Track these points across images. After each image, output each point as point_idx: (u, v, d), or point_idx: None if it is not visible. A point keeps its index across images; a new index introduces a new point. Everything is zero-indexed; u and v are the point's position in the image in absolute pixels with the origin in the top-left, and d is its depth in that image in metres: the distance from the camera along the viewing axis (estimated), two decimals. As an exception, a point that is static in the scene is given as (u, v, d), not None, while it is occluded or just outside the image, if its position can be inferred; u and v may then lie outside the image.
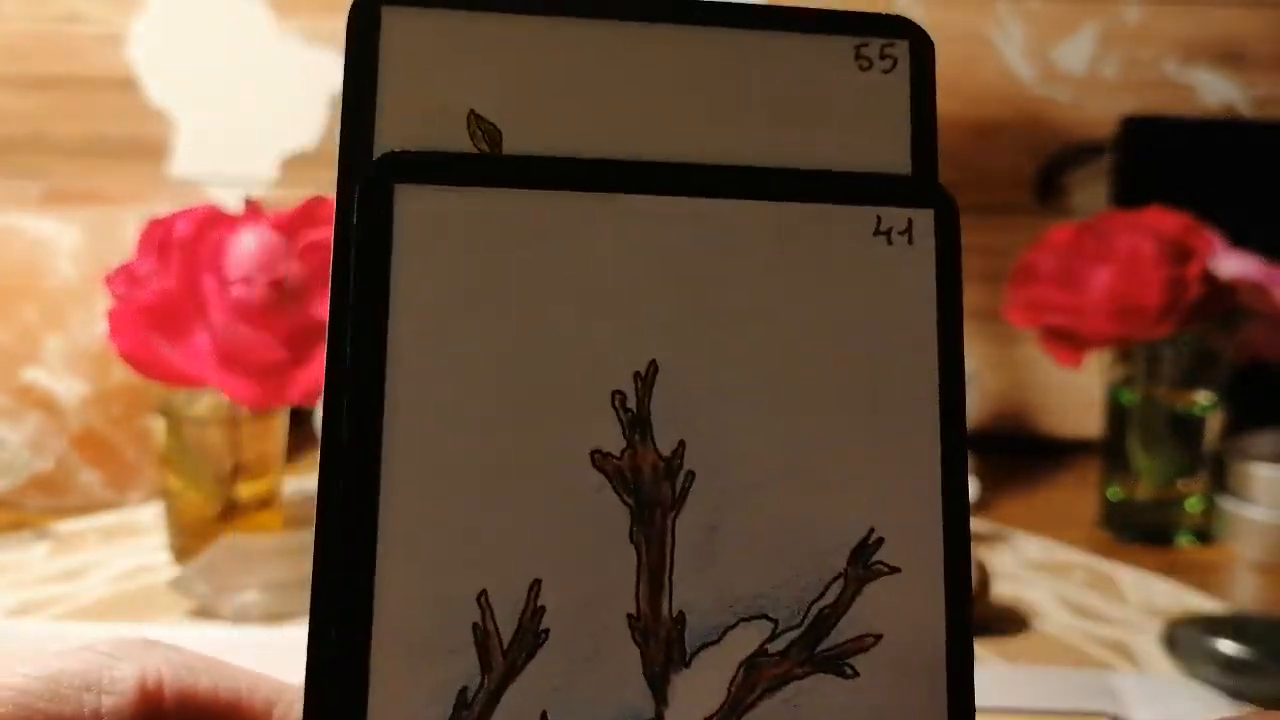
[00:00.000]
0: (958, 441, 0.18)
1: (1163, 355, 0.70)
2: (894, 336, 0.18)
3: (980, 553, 0.59)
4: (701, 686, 0.18)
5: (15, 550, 0.62)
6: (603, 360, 0.18)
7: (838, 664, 0.18)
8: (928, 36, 0.20)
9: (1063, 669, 0.55)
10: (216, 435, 0.62)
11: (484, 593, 0.17)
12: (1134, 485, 0.72)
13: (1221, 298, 0.68)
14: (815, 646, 0.18)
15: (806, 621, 0.18)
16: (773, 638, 0.18)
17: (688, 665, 0.18)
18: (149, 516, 0.68)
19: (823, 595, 0.18)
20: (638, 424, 0.18)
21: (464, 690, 0.17)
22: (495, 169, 0.18)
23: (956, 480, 0.18)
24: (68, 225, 0.68)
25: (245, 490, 0.63)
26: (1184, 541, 0.71)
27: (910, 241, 0.18)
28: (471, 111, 0.18)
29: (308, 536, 0.63)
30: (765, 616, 0.18)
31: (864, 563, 0.18)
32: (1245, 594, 0.65)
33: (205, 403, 0.62)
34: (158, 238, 0.58)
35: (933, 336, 0.18)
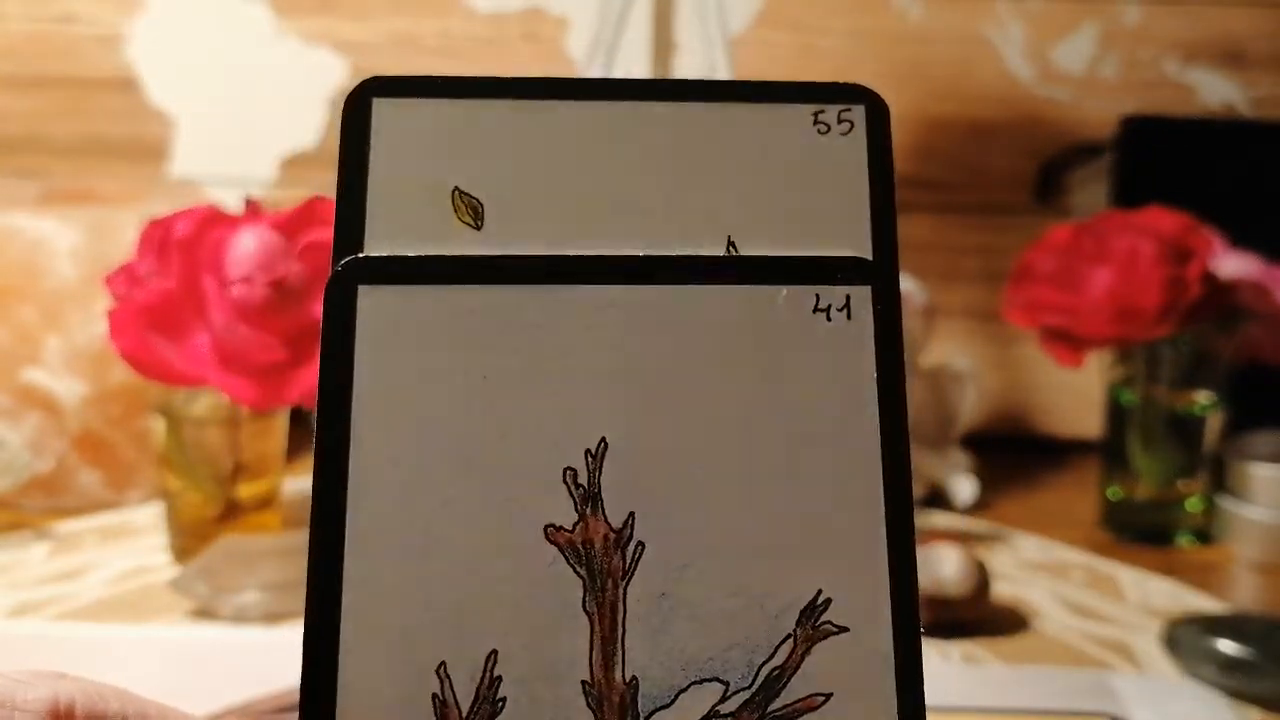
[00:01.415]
0: (903, 504, 0.19)
1: (1162, 355, 0.70)
2: (836, 408, 0.19)
3: (979, 553, 0.59)
4: None
5: (14, 550, 0.62)
6: (555, 439, 0.19)
7: None
8: (882, 101, 0.21)
9: (1062, 669, 0.55)
10: (216, 435, 0.62)
11: (443, 664, 0.18)
12: (1134, 485, 0.72)
13: (1221, 298, 0.68)
14: (766, 706, 0.19)
15: (757, 682, 0.19)
16: (724, 699, 0.19)
17: None
18: (148, 517, 0.68)
19: (772, 656, 0.19)
20: (588, 499, 0.19)
21: None
22: (451, 268, 0.20)
23: (903, 541, 0.19)
24: (67, 225, 0.68)
25: (245, 491, 0.63)
26: (1184, 541, 0.71)
27: (849, 317, 0.20)
28: (456, 188, 0.20)
29: (307, 536, 0.64)
30: (717, 679, 0.19)
31: (812, 623, 0.19)
32: (1245, 594, 0.65)
33: (205, 403, 0.62)
34: (157, 238, 0.58)
35: (873, 406, 0.19)
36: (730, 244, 0.20)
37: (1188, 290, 0.65)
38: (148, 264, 0.58)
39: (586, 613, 0.19)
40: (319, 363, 0.19)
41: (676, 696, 0.19)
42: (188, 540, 0.62)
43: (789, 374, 0.19)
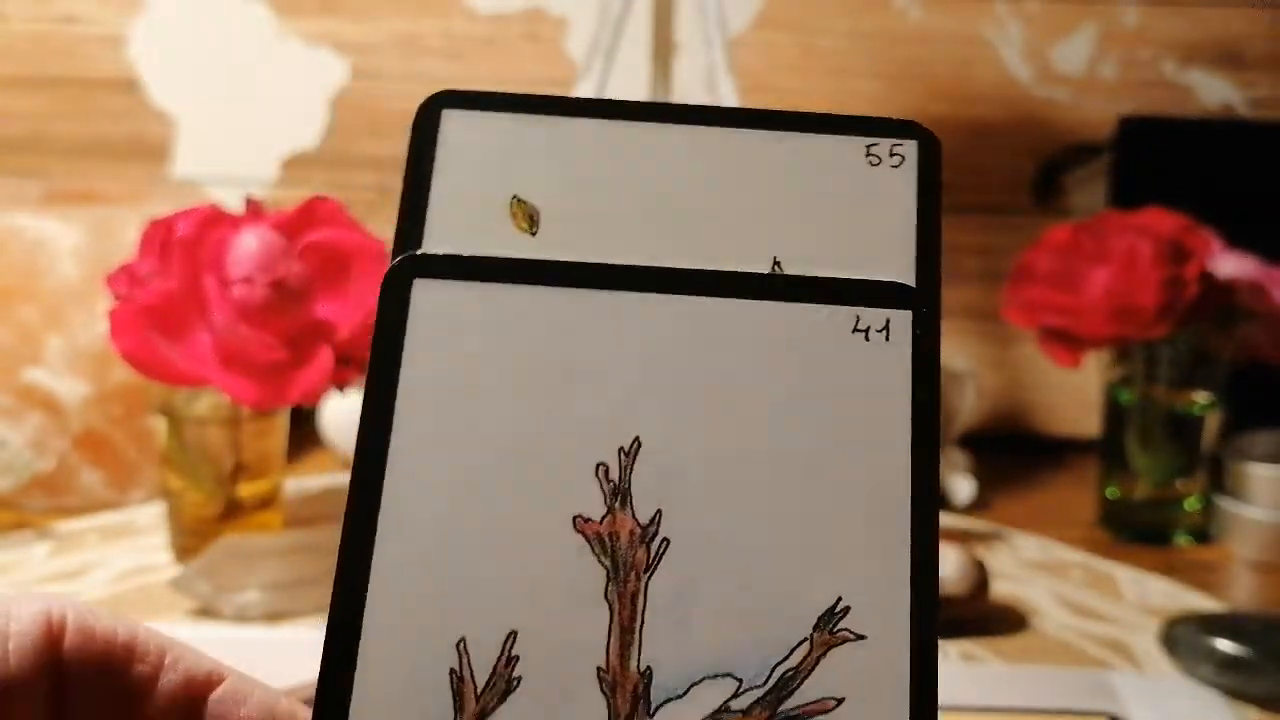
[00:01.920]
0: (930, 520, 0.19)
1: (1160, 355, 0.70)
2: (869, 424, 0.20)
3: (978, 552, 0.60)
4: None
5: (16, 550, 0.63)
6: (589, 435, 0.20)
7: None
8: (935, 138, 0.22)
9: (1061, 668, 0.55)
10: (217, 435, 0.62)
11: (462, 640, 0.19)
12: (1132, 485, 0.72)
13: (1219, 298, 0.68)
14: (778, 705, 0.19)
15: (770, 681, 0.19)
16: (736, 695, 0.19)
17: (651, 717, 0.19)
18: (150, 516, 0.69)
19: (787, 658, 0.19)
20: (618, 493, 0.20)
21: None
22: (504, 268, 0.21)
23: (927, 557, 0.19)
24: (68, 225, 0.68)
25: (246, 490, 0.63)
26: (1182, 541, 0.71)
27: (888, 339, 0.20)
28: (515, 195, 0.21)
29: (308, 536, 0.64)
30: (730, 675, 0.19)
31: (830, 629, 0.19)
32: (1243, 593, 0.66)
33: (206, 403, 0.62)
34: (159, 238, 0.58)
35: (906, 425, 0.20)
36: (776, 264, 0.21)
37: (1186, 290, 0.65)
38: (149, 264, 0.59)
39: (607, 602, 0.19)
40: (370, 349, 0.20)
41: (689, 689, 0.19)
42: (189, 540, 0.62)
43: (824, 389, 0.20)
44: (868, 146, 0.22)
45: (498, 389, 0.20)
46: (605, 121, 0.22)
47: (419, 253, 0.21)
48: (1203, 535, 0.71)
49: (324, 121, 0.87)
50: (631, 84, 0.76)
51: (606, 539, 0.19)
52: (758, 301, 0.20)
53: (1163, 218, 0.68)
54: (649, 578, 0.19)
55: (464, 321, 0.20)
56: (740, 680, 0.19)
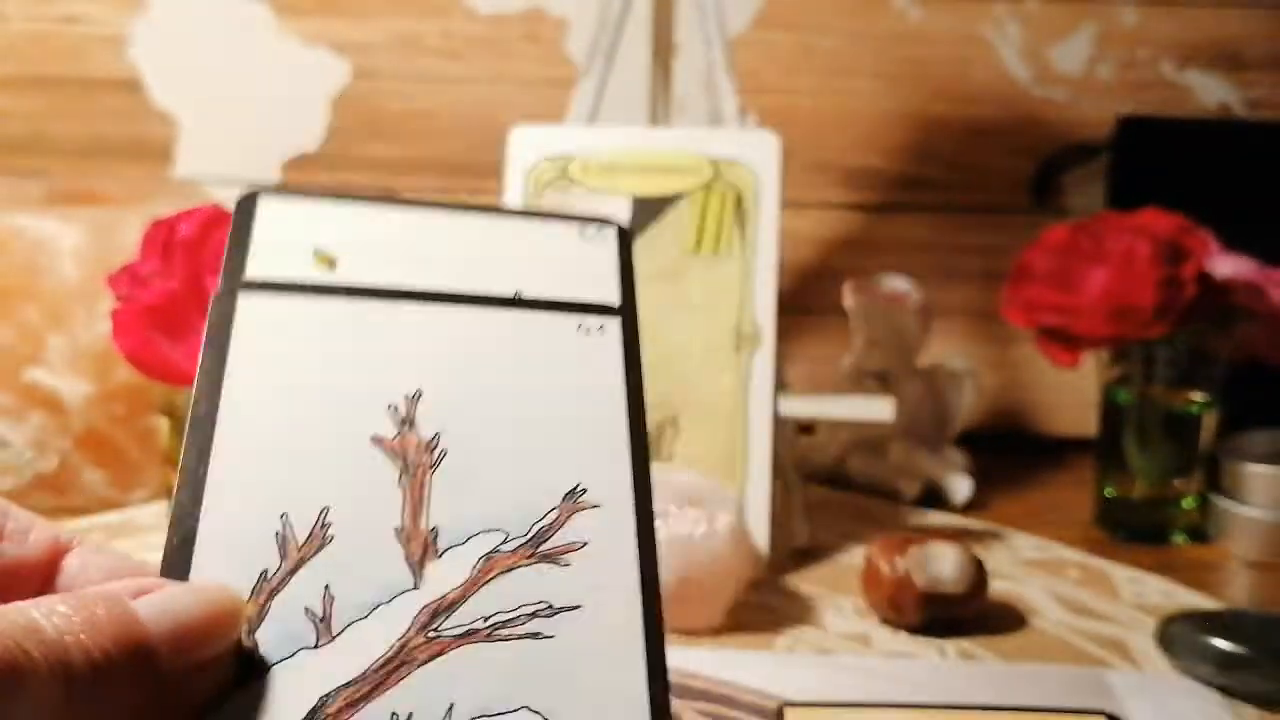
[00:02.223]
0: (640, 434, 0.29)
1: (1158, 355, 0.70)
2: (595, 376, 0.30)
3: (976, 551, 0.60)
4: (450, 571, 0.26)
5: (19, 549, 0.63)
6: (383, 389, 0.28)
7: (555, 558, 0.26)
8: (625, 227, 0.33)
9: (1058, 666, 0.56)
10: (219, 435, 0.62)
11: (285, 514, 0.25)
12: (1129, 484, 0.72)
13: (1216, 298, 0.68)
14: (538, 548, 0.26)
15: (530, 534, 0.27)
16: (505, 542, 0.26)
17: (439, 557, 0.26)
18: (152, 516, 0.69)
19: (543, 519, 0.27)
20: (405, 421, 0.27)
21: (264, 571, 0.25)
22: (313, 287, 0.29)
23: (640, 455, 0.29)
24: (70, 225, 0.69)
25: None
26: (1179, 540, 0.71)
27: (602, 334, 0.31)
28: (315, 248, 0.30)
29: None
30: (500, 530, 0.26)
31: (573, 500, 0.27)
32: (1239, 592, 0.66)
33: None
34: (160, 238, 0.58)
35: (619, 380, 0.30)
36: (518, 294, 0.31)
37: (1183, 290, 0.66)
38: (151, 264, 0.59)
39: (401, 489, 0.26)
40: (203, 342, 0.27)
41: (468, 539, 0.26)
42: (191, 538, 0.63)
43: (564, 361, 0.30)
44: (579, 228, 0.33)
45: (312, 364, 0.28)
46: (380, 204, 0.32)
47: (243, 278, 0.29)
48: (1200, 534, 0.71)
49: (324, 121, 0.88)
50: (631, 84, 0.76)
51: (397, 449, 0.27)
52: (509, 309, 0.30)
53: (1160, 218, 0.68)
54: (433, 473, 0.27)
55: (285, 320, 0.28)
56: (508, 533, 0.26)
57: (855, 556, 0.65)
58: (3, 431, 0.67)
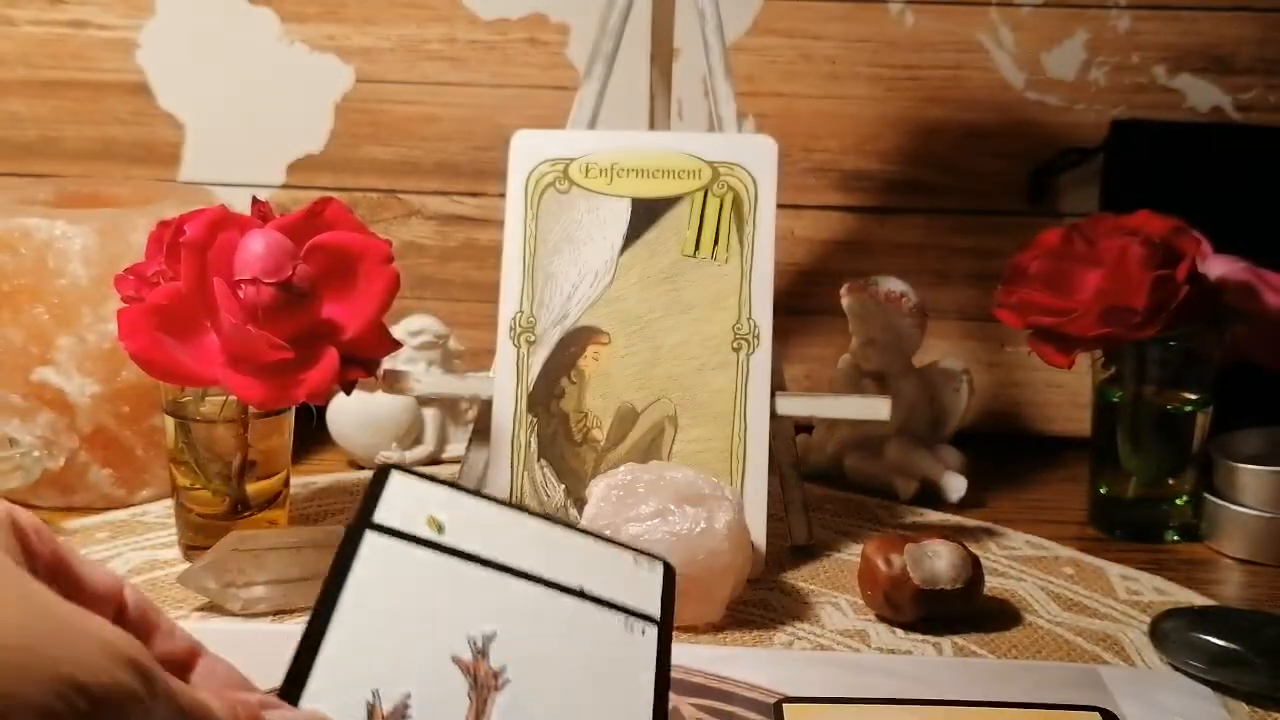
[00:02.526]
0: (662, 707, 0.38)
1: (1151, 355, 0.71)
2: (630, 667, 0.38)
3: (972, 548, 0.61)
4: None
5: (27, 546, 0.63)
6: (466, 624, 0.35)
7: None
8: (670, 565, 0.43)
9: (1052, 662, 0.56)
10: (225, 434, 0.63)
11: (377, 690, 0.32)
12: (1123, 483, 0.73)
13: (1208, 299, 0.68)
14: None
15: None
16: None
17: None
18: (158, 513, 0.70)
19: None
20: (480, 652, 0.35)
21: None
22: (423, 540, 0.37)
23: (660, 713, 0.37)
24: (78, 227, 0.69)
25: (253, 487, 0.64)
26: (1171, 538, 0.72)
27: (644, 636, 0.39)
28: (429, 514, 0.38)
29: (314, 533, 0.67)
30: None
31: None
32: (1231, 589, 0.67)
33: (214, 402, 0.63)
34: (167, 240, 0.59)
35: (651, 677, 0.38)
36: (581, 588, 0.39)
37: (1176, 291, 0.66)
38: (157, 265, 0.59)
39: (469, 698, 0.34)
40: (333, 563, 0.35)
41: None
42: (197, 536, 0.63)
43: (606, 645, 0.38)
44: (634, 557, 0.42)
45: (413, 593, 0.35)
46: (486, 500, 0.42)
47: (373, 520, 0.37)
48: (1192, 532, 0.72)
49: (329, 125, 0.88)
50: (631, 89, 0.77)
51: (470, 670, 0.35)
52: (573, 597, 0.39)
53: (1153, 220, 0.69)
54: (495, 694, 0.34)
55: (396, 558, 0.36)
56: None
57: (852, 554, 0.66)
58: (12, 431, 0.67)
